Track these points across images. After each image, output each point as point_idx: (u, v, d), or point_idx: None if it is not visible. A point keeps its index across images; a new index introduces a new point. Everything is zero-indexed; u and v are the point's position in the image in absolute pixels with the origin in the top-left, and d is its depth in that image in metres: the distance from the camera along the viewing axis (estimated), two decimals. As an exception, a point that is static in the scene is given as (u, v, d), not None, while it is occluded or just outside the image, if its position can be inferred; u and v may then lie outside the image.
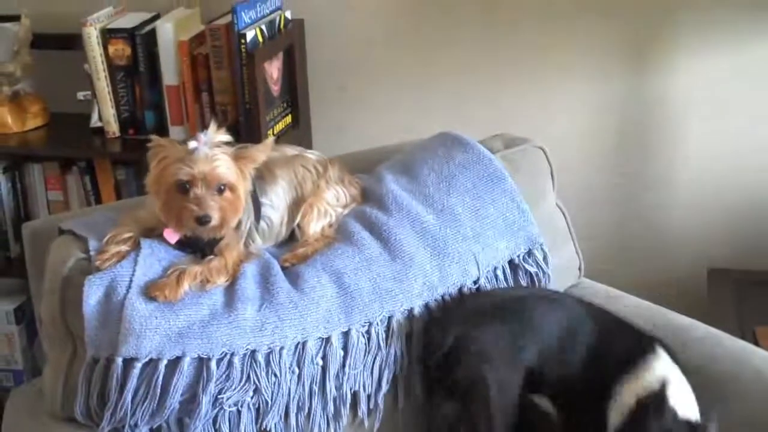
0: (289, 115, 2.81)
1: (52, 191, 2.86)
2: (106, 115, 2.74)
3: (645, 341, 1.83)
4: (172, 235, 1.78)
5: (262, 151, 1.80)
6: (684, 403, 1.72)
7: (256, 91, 2.56)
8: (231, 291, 1.78)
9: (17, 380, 2.92)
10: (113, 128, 2.75)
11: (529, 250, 2.02)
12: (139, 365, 1.70)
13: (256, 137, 2.53)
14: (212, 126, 1.77)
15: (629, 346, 1.82)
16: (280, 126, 2.75)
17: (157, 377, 1.71)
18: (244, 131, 2.60)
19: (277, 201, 1.90)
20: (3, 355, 2.92)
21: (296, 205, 1.93)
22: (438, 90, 2.83)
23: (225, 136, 1.76)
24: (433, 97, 2.83)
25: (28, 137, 2.85)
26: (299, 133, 2.81)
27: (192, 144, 1.72)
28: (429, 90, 2.84)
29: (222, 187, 1.73)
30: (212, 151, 1.72)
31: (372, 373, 1.84)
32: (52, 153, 2.84)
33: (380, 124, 2.88)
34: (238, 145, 1.80)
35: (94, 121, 2.80)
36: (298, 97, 2.83)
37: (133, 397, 1.71)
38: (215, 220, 1.72)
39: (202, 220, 1.71)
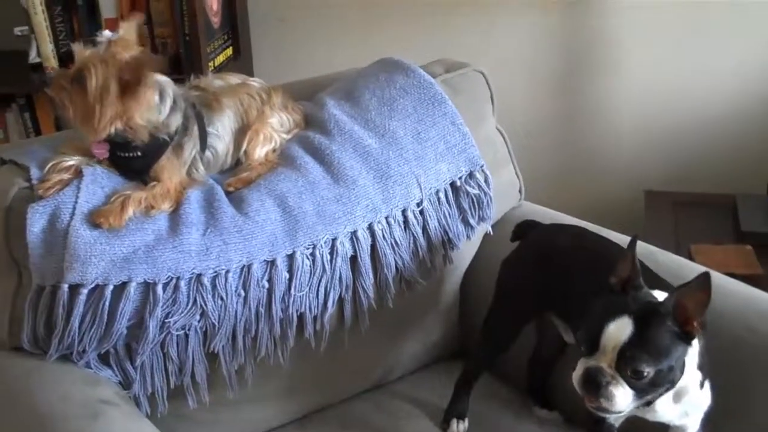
0: (230, 47, 2.80)
1: (-9, 128, 2.84)
2: (45, 50, 2.72)
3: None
4: (98, 148, 1.78)
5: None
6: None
7: (195, 23, 2.55)
8: (175, 216, 1.79)
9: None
10: (52, 63, 2.73)
11: (471, 172, 2.04)
12: (85, 291, 1.71)
13: (196, 69, 2.52)
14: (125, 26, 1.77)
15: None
16: (221, 58, 2.74)
17: (104, 303, 1.71)
18: (185, 63, 2.59)
19: (222, 130, 1.90)
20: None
21: (241, 133, 1.93)
22: (378, 19, 2.83)
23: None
24: (373, 25, 2.84)
25: (-35, 74, 2.82)
26: (240, 65, 2.81)
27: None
28: (369, 19, 2.84)
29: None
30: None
31: (318, 294, 1.86)
32: (-10, 90, 2.81)
33: (320, 54, 2.89)
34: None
35: (33, 57, 2.77)
36: (239, 28, 2.82)
37: (80, 324, 1.72)
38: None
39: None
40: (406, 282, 1.98)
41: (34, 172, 1.79)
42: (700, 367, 1.56)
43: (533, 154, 2.73)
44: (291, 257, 1.84)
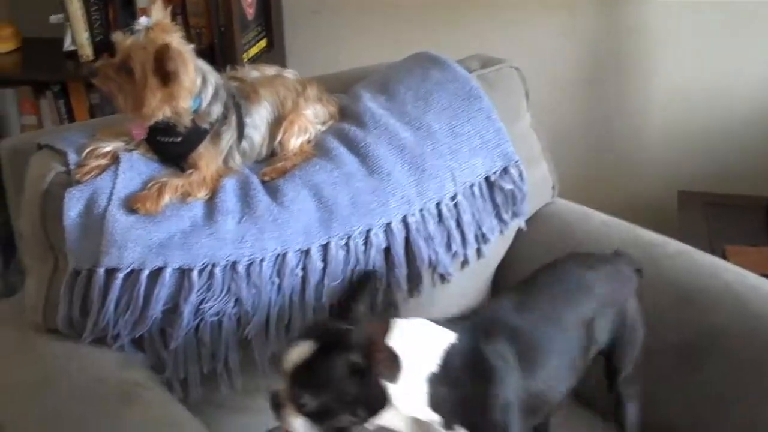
0: (264, 39, 2.81)
1: (26, 115, 2.86)
2: (80, 38, 2.73)
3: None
4: (137, 130, 1.80)
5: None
6: None
7: (230, 14, 2.56)
8: (211, 204, 1.80)
9: (-7, 304, 2.93)
10: (87, 52, 2.74)
11: (506, 167, 2.04)
12: (120, 276, 1.72)
13: (230, 60, 2.53)
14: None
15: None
16: (254, 50, 2.75)
17: (139, 288, 1.73)
18: (219, 54, 2.60)
19: (259, 121, 1.91)
20: (-22, 279, 2.94)
21: (277, 124, 1.93)
22: (413, 14, 2.83)
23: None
24: (407, 21, 2.84)
25: (1, 61, 2.83)
26: (273, 57, 2.82)
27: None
28: (403, 14, 2.84)
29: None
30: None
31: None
32: (26, 77, 2.83)
33: (353, 47, 2.89)
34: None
35: (68, 45, 2.78)
36: (273, 20, 2.83)
37: (115, 308, 1.73)
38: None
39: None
40: (438, 275, 1.98)
41: (72, 157, 1.80)
42: (436, 408, 1.48)
43: (566, 152, 2.72)
44: (325, 247, 1.84)
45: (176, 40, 1.76)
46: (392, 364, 1.43)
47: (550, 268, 1.75)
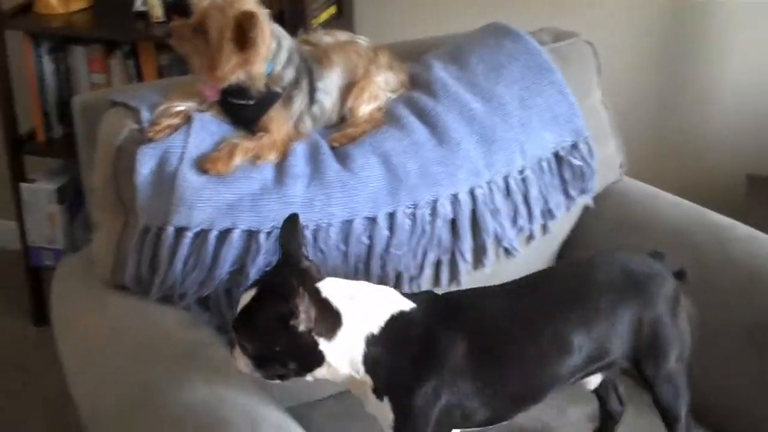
0: (333, 6, 2.80)
1: (95, 74, 2.88)
2: (151, -1, 2.74)
3: None
4: (210, 91, 1.80)
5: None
6: None
7: (302, -22, 2.55)
8: (281, 167, 1.80)
9: (57, 259, 2.97)
10: (158, 13, 2.75)
11: (575, 143, 2.03)
12: (190, 235, 1.73)
13: (300, 25, 2.52)
14: None
15: None
16: (324, 16, 2.75)
17: (207, 248, 1.74)
18: (288, 19, 2.59)
19: (330, 86, 1.91)
20: (45, 234, 2.97)
21: (347, 89, 1.93)
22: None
23: None
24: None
25: (73, 19, 2.86)
26: (342, 24, 2.81)
27: None
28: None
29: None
30: None
31: (416, 255, 1.87)
32: (97, 35, 2.85)
33: (424, 17, 2.87)
34: None
35: (138, 5, 2.80)
36: (343, -13, 2.82)
37: (183, 267, 1.75)
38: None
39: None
40: (503, 248, 1.97)
41: (145, 115, 1.82)
42: (369, 370, 1.48)
43: (635, 130, 2.69)
44: (392, 216, 1.84)
45: (253, 4, 1.76)
46: (325, 320, 1.45)
47: (559, 267, 1.71)
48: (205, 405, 1.52)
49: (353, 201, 1.81)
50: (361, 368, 1.48)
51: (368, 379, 1.49)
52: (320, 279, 1.50)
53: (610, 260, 1.66)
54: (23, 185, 2.94)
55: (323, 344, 1.45)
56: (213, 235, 1.74)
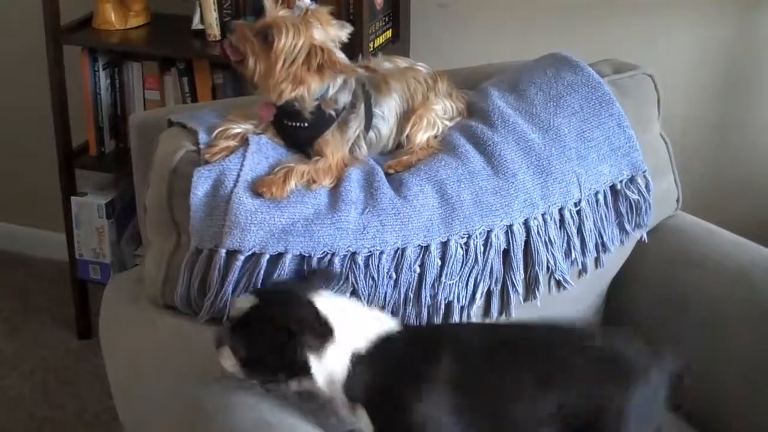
0: (390, 30, 2.80)
1: (149, 90, 2.90)
2: (208, 18, 2.76)
3: None
4: (265, 110, 1.80)
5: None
6: None
7: (361, 2, 2.55)
8: (335, 193, 1.79)
9: (104, 273, 2.99)
10: (214, 31, 2.76)
11: (632, 176, 2.00)
12: (242, 258, 1.72)
13: (357, 49, 2.52)
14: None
15: None
16: (380, 40, 2.74)
17: (259, 271, 1.73)
18: (346, 43, 2.58)
19: (388, 113, 1.90)
20: (92, 247, 2.99)
21: (405, 117, 1.92)
22: (542, 13, 2.79)
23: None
24: (536, 20, 2.79)
25: (130, 35, 2.88)
26: (398, 49, 2.80)
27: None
28: (533, 13, 2.80)
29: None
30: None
31: (467, 285, 1.85)
32: (152, 52, 2.87)
33: (480, 43, 2.86)
34: None
35: (196, 24, 2.81)
36: (400, 11, 2.82)
37: (234, 289, 1.74)
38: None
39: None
40: (555, 281, 1.94)
41: (203, 137, 1.81)
42: (349, 392, 1.53)
43: (692, 164, 2.65)
44: (445, 245, 1.82)
45: (330, 34, 1.78)
46: (321, 336, 1.50)
47: (548, 330, 1.71)
48: (254, 430, 1.50)
49: (406, 229, 1.79)
50: (339, 387, 1.53)
51: (344, 398, 1.54)
52: (317, 292, 1.57)
53: (604, 342, 1.68)
54: (74, 198, 2.96)
55: (312, 357, 1.50)
56: (265, 259, 1.73)
